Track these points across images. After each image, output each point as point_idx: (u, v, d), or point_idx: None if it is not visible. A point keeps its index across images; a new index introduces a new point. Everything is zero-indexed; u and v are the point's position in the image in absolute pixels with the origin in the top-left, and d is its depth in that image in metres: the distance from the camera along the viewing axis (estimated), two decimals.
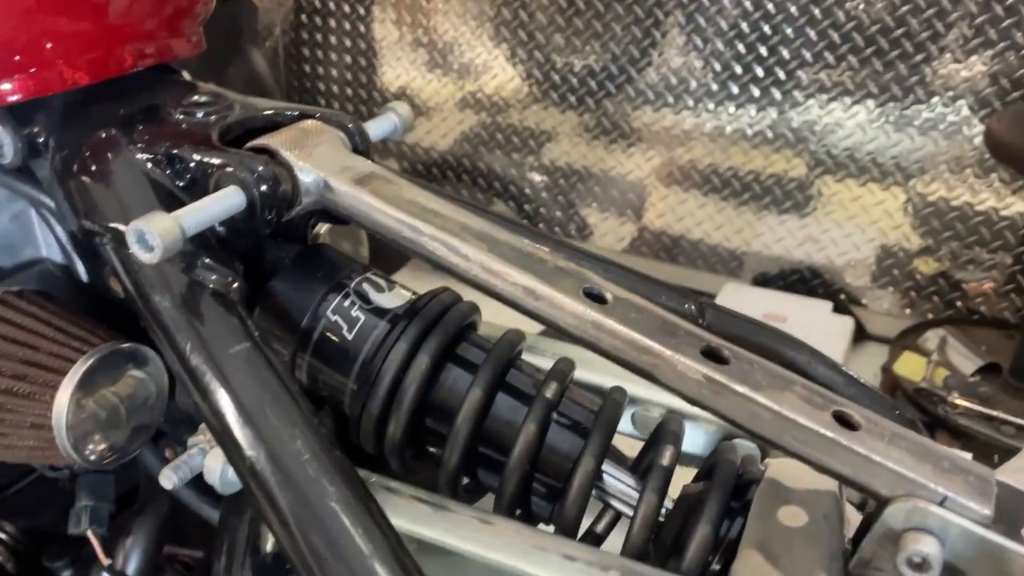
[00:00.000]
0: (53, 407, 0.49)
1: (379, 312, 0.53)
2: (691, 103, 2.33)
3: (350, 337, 0.52)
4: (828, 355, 0.67)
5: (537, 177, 2.68)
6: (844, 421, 0.44)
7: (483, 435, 0.51)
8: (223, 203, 0.47)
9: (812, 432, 0.43)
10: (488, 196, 2.76)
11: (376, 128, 0.58)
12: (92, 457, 0.51)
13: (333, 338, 0.53)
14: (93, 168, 0.51)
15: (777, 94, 2.25)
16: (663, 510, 0.49)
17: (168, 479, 0.48)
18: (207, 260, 0.47)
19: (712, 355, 0.45)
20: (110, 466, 0.52)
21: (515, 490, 0.49)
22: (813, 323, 2.23)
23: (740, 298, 2.31)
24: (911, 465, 0.42)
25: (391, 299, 0.54)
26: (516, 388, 0.52)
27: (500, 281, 0.48)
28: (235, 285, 0.48)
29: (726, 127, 2.35)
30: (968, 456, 0.44)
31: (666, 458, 0.49)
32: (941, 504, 0.41)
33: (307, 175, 0.50)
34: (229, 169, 0.48)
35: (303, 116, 0.55)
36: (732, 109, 2.32)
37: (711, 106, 2.34)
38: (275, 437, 0.43)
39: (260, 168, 0.48)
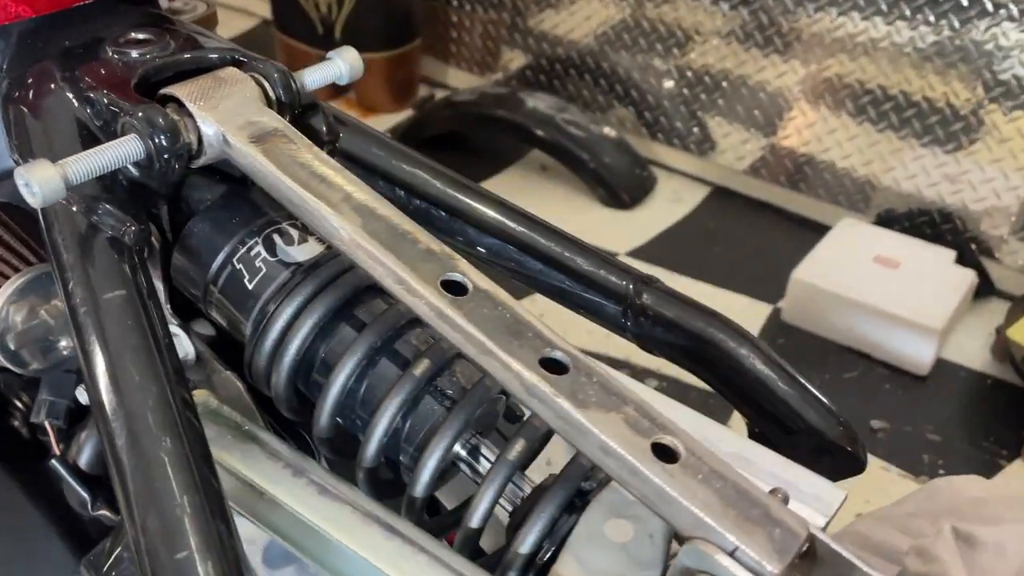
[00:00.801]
0: None
1: (282, 264, 0.55)
2: (861, 3, 2.12)
3: (250, 287, 0.55)
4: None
5: (666, 83, 2.57)
6: (663, 452, 0.42)
7: (353, 399, 0.53)
8: (118, 151, 0.49)
9: (624, 459, 0.42)
10: (608, 99, 2.68)
11: (316, 75, 0.58)
12: (26, 364, 0.57)
13: (236, 285, 0.55)
14: (29, 101, 0.55)
15: (954, 8, 2.02)
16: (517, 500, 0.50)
17: (82, 395, 0.53)
18: (107, 205, 0.50)
19: (549, 364, 0.44)
20: (39, 374, 0.58)
21: (373, 457, 0.51)
22: (929, 272, 2.08)
23: (854, 236, 2.18)
24: (713, 508, 0.40)
25: (300, 252, 0.56)
26: (399, 356, 0.53)
27: (366, 258, 0.48)
28: (132, 229, 0.50)
29: (890, 38, 2.13)
30: (792, 509, 0.42)
31: (512, 452, 0.49)
32: (731, 554, 0.40)
33: (209, 127, 0.52)
34: (130, 118, 0.50)
35: (233, 63, 0.56)
36: (903, 18, 2.09)
37: (883, 10, 2.11)
38: (128, 383, 0.46)
39: (160, 120, 0.50)
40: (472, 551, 0.49)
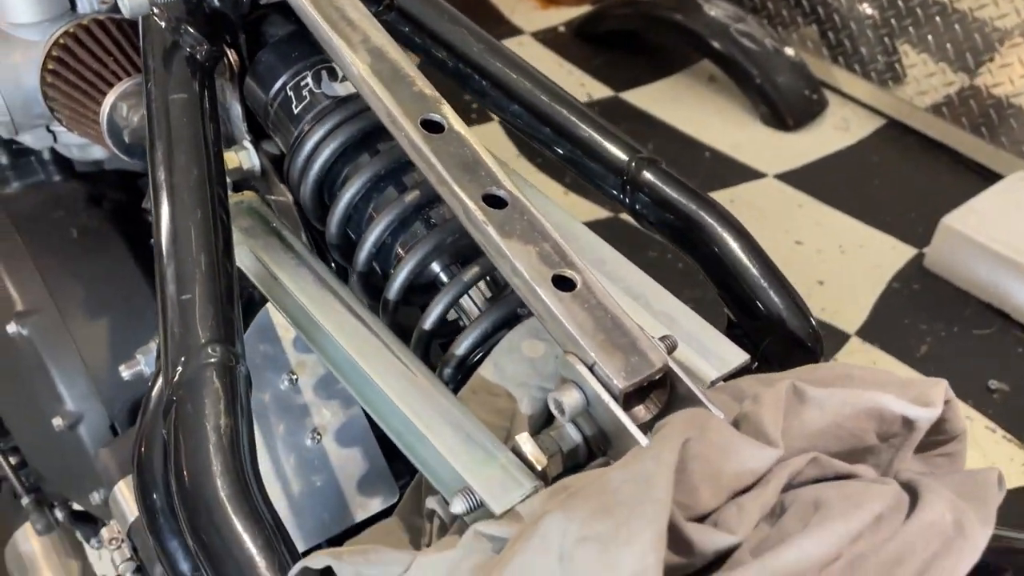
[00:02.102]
0: (101, 108, 0.70)
1: (324, 95, 0.66)
2: None
3: (296, 111, 0.66)
4: None
5: (860, 7, 2.43)
6: (562, 282, 0.50)
7: (359, 214, 0.63)
8: None
9: (527, 282, 0.50)
10: (793, 13, 2.57)
11: None
12: (126, 151, 0.72)
13: (286, 108, 0.66)
14: None
15: None
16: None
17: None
18: (188, 27, 0.62)
19: (490, 199, 0.52)
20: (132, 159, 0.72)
21: (363, 262, 0.61)
22: None
23: (1021, 191, 2.03)
24: (585, 329, 0.48)
25: (341, 88, 0.66)
26: (400, 184, 0.63)
27: (369, 93, 0.57)
28: (204, 48, 0.62)
29: None
30: (660, 347, 0.48)
31: (467, 274, 0.58)
32: (591, 368, 0.47)
33: None
34: None
35: None
36: None
37: None
38: (177, 165, 0.59)
39: None
40: (423, 350, 0.59)
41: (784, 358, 0.66)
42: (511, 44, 2.85)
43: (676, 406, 0.48)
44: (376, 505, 0.72)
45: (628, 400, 0.47)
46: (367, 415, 0.71)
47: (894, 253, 2.07)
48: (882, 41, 2.41)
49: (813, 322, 0.66)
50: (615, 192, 0.68)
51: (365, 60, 0.57)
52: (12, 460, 1.02)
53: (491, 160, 0.55)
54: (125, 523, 0.74)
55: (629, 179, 0.67)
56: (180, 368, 0.52)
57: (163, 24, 0.62)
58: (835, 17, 2.47)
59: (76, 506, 1.02)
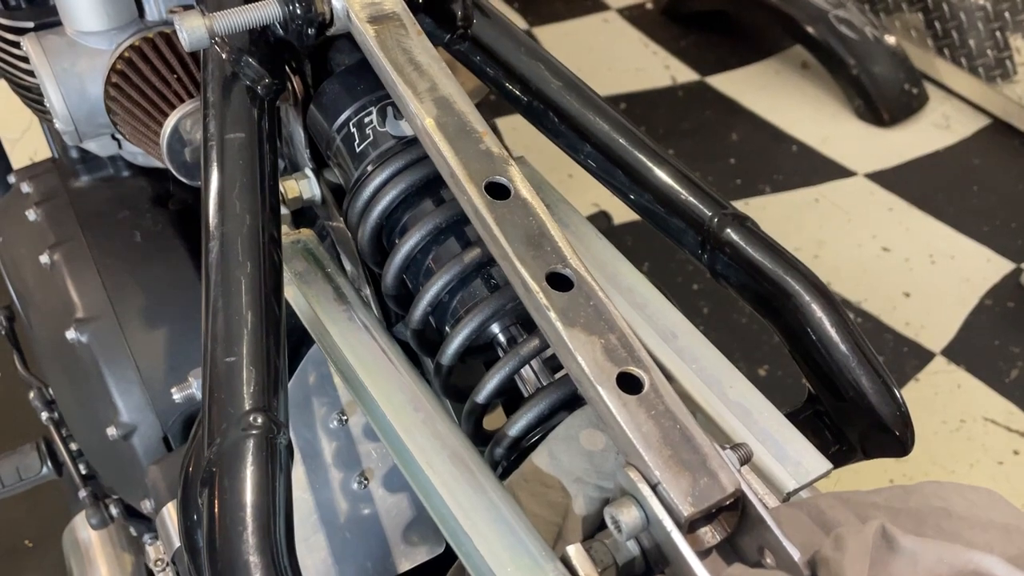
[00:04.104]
0: (163, 128, 0.68)
1: (388, 135, 0.62)
2: None
3: (358, 149, 0.62)
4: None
5: None
6: (628, 382, 0.45)
7: (417, 265, 0.59)
8: (258, 12, 0.57)
9: (589, 381, 0.45)
10: (897, 0, 2.42)
11: None
12: (195, 176, 0.70)
13: (349, 145, 0.63)
14: None
15: None
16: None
17: None
18: (250, 59, 0.59)
19: (554, 279, 0.48)
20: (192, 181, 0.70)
21: (418, 320, 0.58)
22: None
23: None
24: (651, 443, 0.43)
25: (406, 127, 0.62)
26: (462, 238, 0.59)
27: (432, 147, 0.53)
28: (265, 82, 0.59)
29: None
30: (734, 466, 0.43)
31: (526, 347, 0.54)
32: (654, 487, 0.43)
33: (338, 2, 0.58)
34: None
35: None
36: None
37: None
38: (229, 212, 0.56)
39: None
40: (474, 424, 0.56)
41: (869, 443, 0.60)
42: (595, 20, 2.75)
43: (747, 530, 0.44)
44: (421, 555, 0.69)
45: (693, 525, 0.42)
46: None
47: (989, 267, 1.95)
48: (993, 35, 2.25)
49: (904, 408, 0.60)
50: (695, 248, 0.63)
51: (431, 112, 0.53)
52: (73, 447, 1.03)
53: (557, 231, 0.50)
54: (170, 547, 0.74)
55: (710, 236, 0.62)
56: (220, 439, 0.50)
57: (224, 55, 0.59)
58: (943, 6, 2.31)
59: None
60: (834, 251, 1.99)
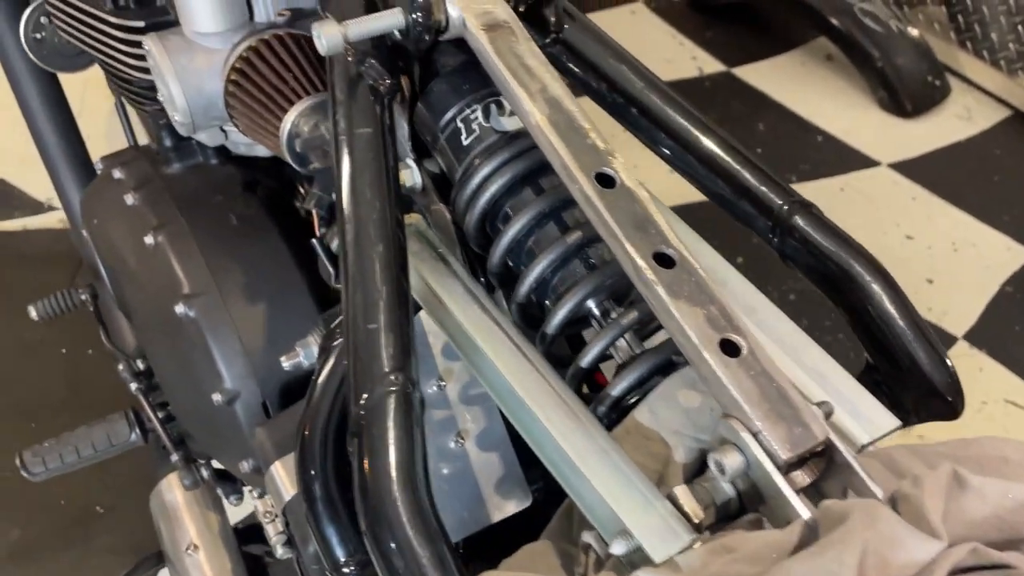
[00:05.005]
0: (283, 123, 0.75)
1: (492, 130, 0.69)
2: None
3: (465, 143, 0.69)
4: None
5: None
6: (728, 347, 0.53)
7: (520, 247, 0.67)
8: (385, 20, 0.64)
9: (694, 345, 0.53)
10: None
11: None
12: (306, 164, 0.77)
13: (455, 139, 0.70)
14: None
15: None
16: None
17: None
18: (372, 61, 0.66)
19: (660, 258, 0.55)
20: (314, 173, 0.77)
21: (524, 295, 0.65)
22: None
23: None
24: (752, 398, 0.51)
25: (509, 122, 0.69)
26: (561, 223, 0.66)
27: (544, 142, 0.60)
28: (387, 82, 0.66)
29: None
30: (822, 418, 0.51)
31: (626, 318, 0.61)
32: (755, 435, 0.50)
33: (454, 11, 0.65)
34: None
35: None
36: None
37: None
38: (360, 198, 0.63)
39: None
40: (577, 385, 0.63)
41: (922, 408, 0.68)
42: (623, 12, 2.81)
43: (832, 475, 0.51)
44: (511, 508, 0.77)
45: (788, 468, 0.50)
46: (506, 423, 0.76)
47: (1009, 255, 2.01)
48: (1015, 28, 2.30)
49: (955, 376, 0.67)
50: (766, 233, 0.70)
51: (543, 110, 0.60)
52: (160, 415, 1.11)
53: (660, 217, 0.57)
54: (280, 501, 0.81)
55: (780, 223, 0.69)
56: (366, 395, 0.57)
57: (349, 57, 0.66)
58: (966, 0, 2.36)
59: (218, 464, 1.11)
60: (859, 239, 2.05)
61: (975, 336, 1.84)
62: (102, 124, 2.10)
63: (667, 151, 0.72)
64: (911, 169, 2.23)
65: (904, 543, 0.42)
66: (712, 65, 2.52)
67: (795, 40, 2.60)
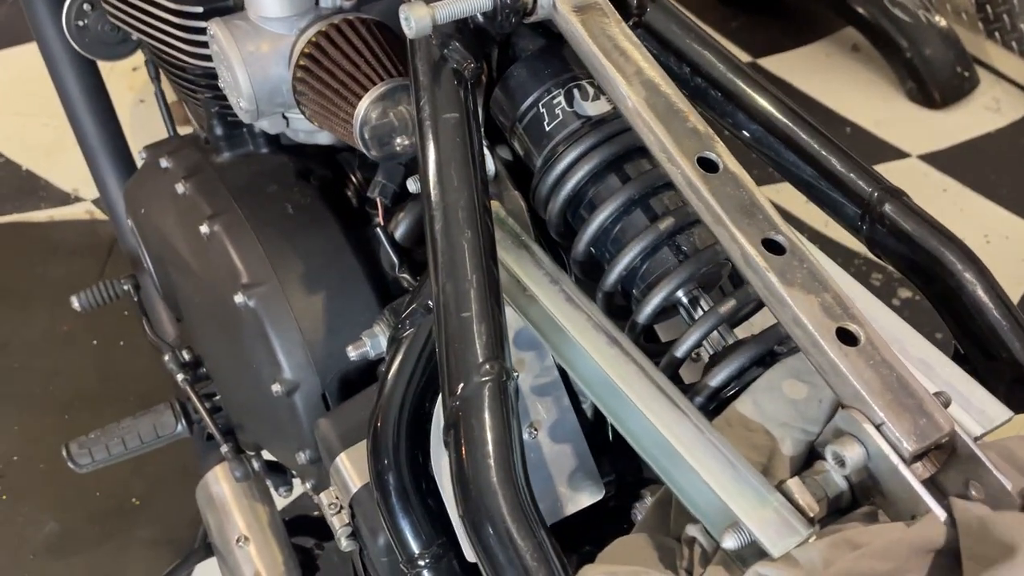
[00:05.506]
0: (355, 110, 0.73)
1: (576, 115, 0.67)
2: None
3: (547, 128, 0.68)
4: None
5: None
6: (845, 335, 0.51)
7: (606, 235, 0.65)
8: (472, 2, 0.62)
9: (810, 333, 0.51)
10: None
11: None
12: (375, 151, 0.75)
13: (536, 125, 0.68)
14: None
15: None
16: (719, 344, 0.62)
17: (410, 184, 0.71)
18: (456, 44, 0.65)
19: (769, 244, 0.54)
20: (379, 160, 0.76)
21: (612, 284, 0.64)
22: None
23: None
24: (873, 388, 0.49)
25: (592, 107, 0.68)
26: (650, 210, 0.65)
27: (642, 126, 0.59)
28: (471, 66, 0.64)
29: None
30: (944, 410, 0.49)
31: (723, 307, 0.60)
32: (878, 427, 0.49)
33: None
34: None
35: None
36: None
37: None
38: (448, 185, 0.62)
39: None
40: (672, 374, 0.62)
41: (1015, 398, 0.66)
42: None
43: (955, 466, 0.50)
44: (584, 500, 0.76)
45: (912, 460, 0.48)
46: (577, 415, 0.74)
47: None
48: None
49: None
50: (854, 222, 0.68)
51: (640, 94, 0.59)
52: (207, 406, 1.10)
53: (767, 203, 0.56)
54: (347, 492, 0.80)
55: (869, 210, 0.68)
56: (462, 384, 0.56)
57: (434, 41, 0.65)
58: None
59: (266, 456, 1.10)
60: None
61: None
62: (124, 116, 2.08)
63: (751, 135, 0.70)
64: (941, 161, 2.21)
65: None
66: (738, 56, 2.50)
67: (821, 30, 2.57)
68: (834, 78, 2.43)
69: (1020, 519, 0.45)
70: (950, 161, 2.20)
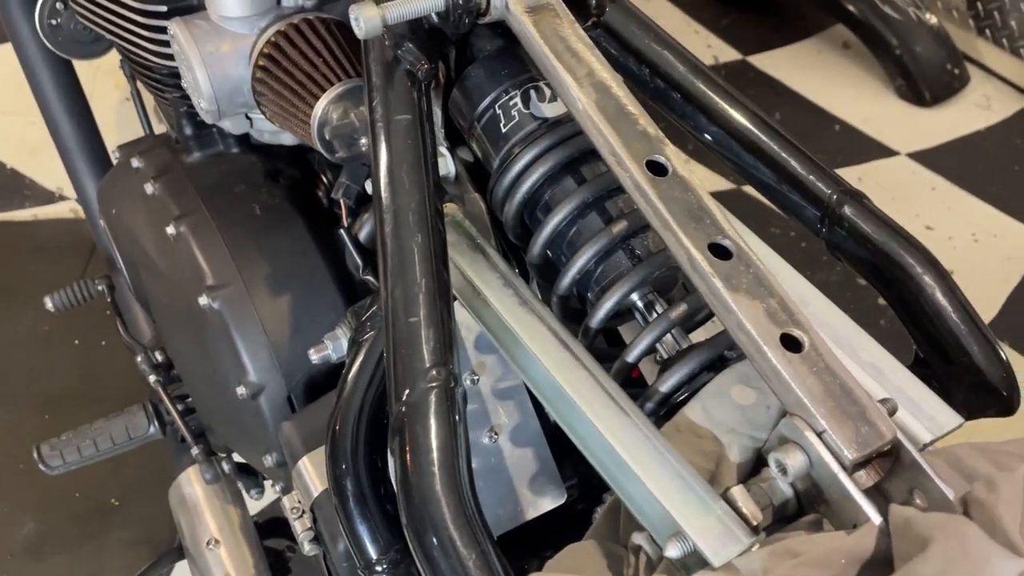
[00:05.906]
0: (312, 110, 0.73)
1: (532, 117, 0.67)
2: None
3: (503, 130, 0.67)
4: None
5: None
6: (790, 341, 0.50)
7: (561, 238, 0.65)
8: (423, 3, 0.62)
9: (754, 340, 0.51)
10: None
11: None
12: (334, 151, 0.75)
13: (493, 126, 0.68)
14: None
15: None
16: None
17: (369, 185, 0.70)
18: (410, 44, 0.64)
19: (716, 249, 0.53)
20: (342, 161, 0.75)
21: (565, 287, 0.63)
22: None
23: None
24: (815, 395, 0.49)
25: (549, 109, 0.67)
26: (605, 213, 0.64)
27: (592, 128, 0.58)
28: (425, 67, 0.64)
29: None
30: (886, 416, 0.49)
31: (674, 312, 0.59)
32: (820, 434, 0.48)
33: None
34: None
35: None
36: None
37: None
38: (399, 188, 0.61)
39: None
40: (624, 380, 0.61)
41: (975, 404, 0.66)
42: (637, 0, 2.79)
43: (897, 474, 0.49)
44: (546, 505, 0.75)
45: (854, 468, 0.48)
46: (540, 418, 0.74)
47: None
48: None
49: (1011, 371, 0.65)
50: (813, 224, 0.68)
51: (590, 96, 0.58)
52: (179, 407, 1.09)
53: (715, 207, 0.55)
54: (308, 496, 0.80)
55: (829, 212, 0.67)
56: (408, 390, 0.55)
57: (387, 41, 0.64)
58: None
59: (238, 458, 1.09)
60: None
61: (997, 327, 1.82)
62: (111, 114, 2.08)
63: (711, 138, 0.70)
64: (930, 158, 2.20)
65: (990, 564, 0.40)
66: (727, 53, 2.49)
67: (811, 28, 2.56)
68: (824, 75, 2.42)
69: (942, 516, 0.44)
70: (939, 159, 2.19)
